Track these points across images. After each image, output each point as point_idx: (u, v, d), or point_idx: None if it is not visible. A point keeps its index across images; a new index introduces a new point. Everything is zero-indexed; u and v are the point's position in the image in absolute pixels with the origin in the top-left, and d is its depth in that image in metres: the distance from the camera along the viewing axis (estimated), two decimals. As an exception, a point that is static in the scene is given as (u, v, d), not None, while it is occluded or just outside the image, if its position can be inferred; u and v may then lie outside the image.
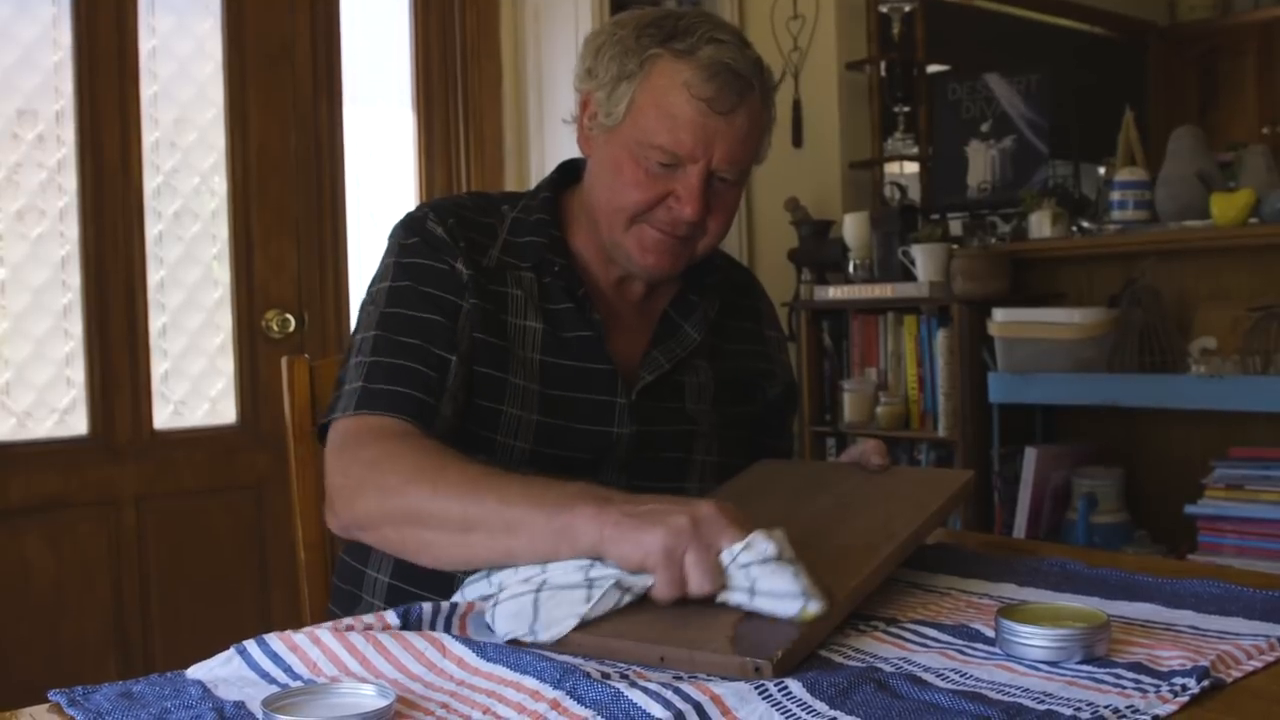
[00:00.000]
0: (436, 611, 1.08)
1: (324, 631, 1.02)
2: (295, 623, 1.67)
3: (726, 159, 1.40)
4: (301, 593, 1.70)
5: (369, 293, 1.47)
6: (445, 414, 1.37)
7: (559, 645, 1.03)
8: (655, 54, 1.39)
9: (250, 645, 1.01)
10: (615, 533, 1.07)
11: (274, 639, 1.02)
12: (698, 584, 1.04)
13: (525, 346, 1.44)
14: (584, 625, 1.04)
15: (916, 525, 1.30)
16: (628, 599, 1.05)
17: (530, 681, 0.93)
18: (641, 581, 1.05)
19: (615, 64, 1.42)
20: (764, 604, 1.02)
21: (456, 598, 1.13)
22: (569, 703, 0.89)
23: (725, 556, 1.04)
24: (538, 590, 1.06)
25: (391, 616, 1.06)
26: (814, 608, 1.01)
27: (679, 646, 0.99)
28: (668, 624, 1.03)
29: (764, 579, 1.03)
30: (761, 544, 1.04)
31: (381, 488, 1.25)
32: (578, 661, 0.97)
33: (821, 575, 1.06)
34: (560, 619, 1.03)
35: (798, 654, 1.00)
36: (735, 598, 1.04)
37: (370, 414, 1.33)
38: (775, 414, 1.69)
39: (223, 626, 3.21)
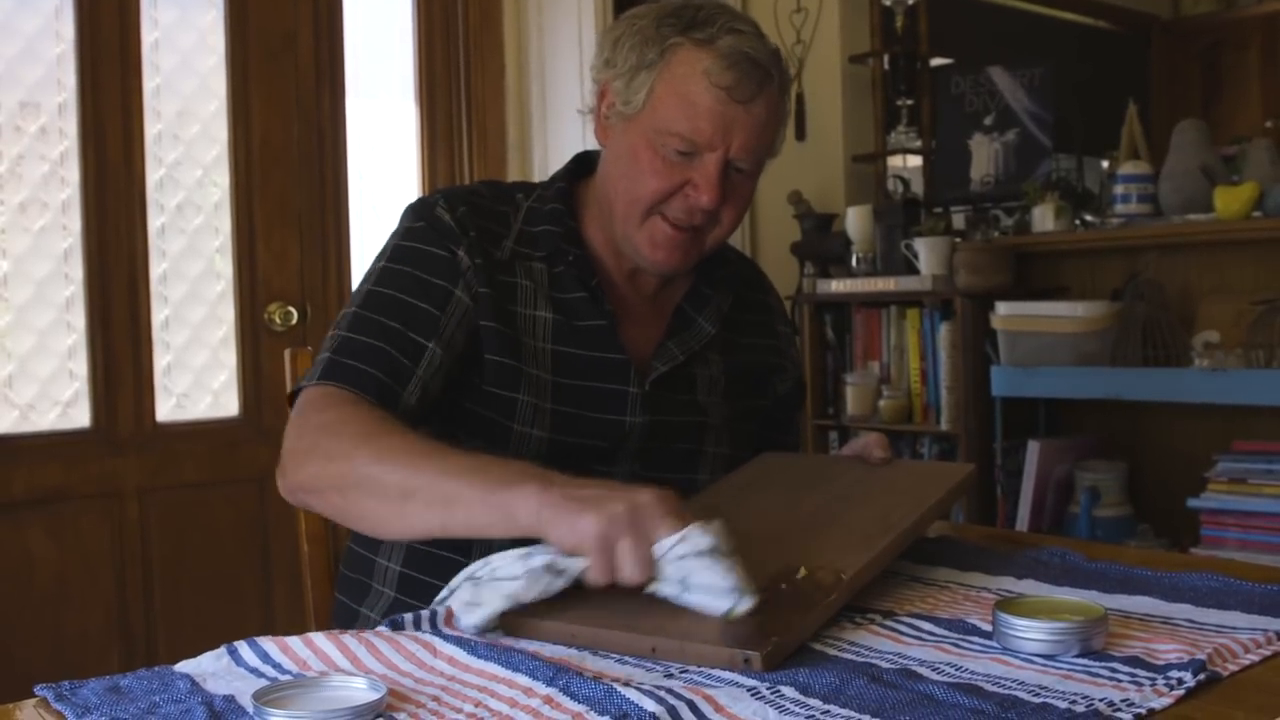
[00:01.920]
0: (418, 621, 1.09)
1: (315, 633, 1.02)
2: (298, 615, 1.67)
3: (744, 148, 1.41)
4: (304, 585, 1.70)
5: (367, 270, 1.48)
6: (410, 402, 1.37)
7: (551, 636, 1.03)
8: (675, 43, 1.40)
9: (241, 645, 1.02)
10: (552, 515, 1.07)
11: (265, 640, 1.02)
12: (629, 573, 1.04)
13: (535, 336, 1.45)
14: (575, 616, 1.04)
15: (915, 518, 1.30)
16: (560, 583, 1.06)
17: (522, 679, 0.93)
18: (575, 565, 1.05)
19: (635, 53, 1.42)
20: (695, 598, 1.02)
21: (435, 605, 1.14)
22: (561, 698, 0.89)
23: (659, 548, 1.03)
24: (478, 582, 1.07)
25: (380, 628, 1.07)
26: (744, 605, 1.00)
27: (670, 637, 0.99)
28: (660, 615, 1.03)
29: (698, 573, 1.01)
30: (697, 537, 1.02)
31: (328, 452, 1.26)
32: (571, 656, 0.97)
33: (808, 599, 1.06)
34: (491, 599, 1.05)
35: (789, 646, 1.00)
36: (666, 589, 1.03)
37: (333, 385, 1.34)
38: (783, 409, 1.69)
39: (225, 619, 3.22)
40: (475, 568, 1.09)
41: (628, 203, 1.45)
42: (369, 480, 1.21)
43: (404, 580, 1.45)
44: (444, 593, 1.13)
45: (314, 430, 1.30)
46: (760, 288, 1.72)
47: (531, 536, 1.09)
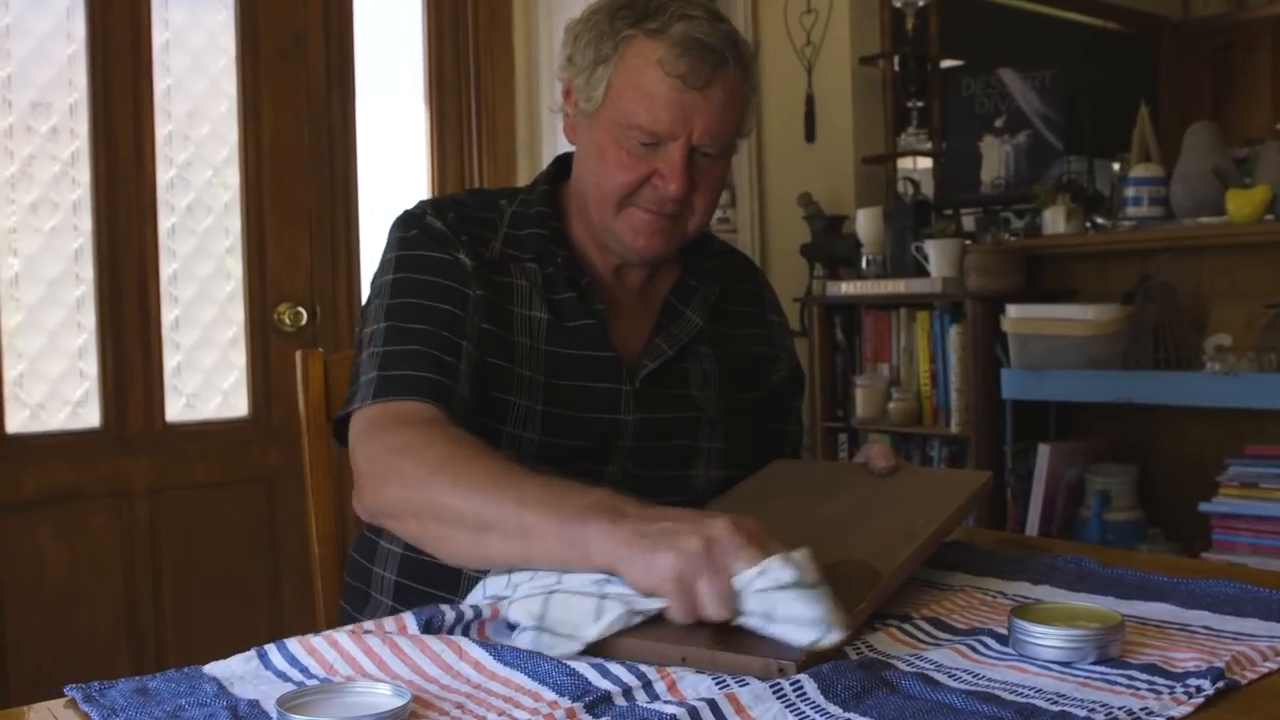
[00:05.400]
0: (459, 618, 1.07)
1: (341, 634, 1.02)
2: (307, 616, 1.68)
3: (706, 133, 1.41)
4: (315, 586, 1.70)
5: (372, 288, 1.48)
6: (464, 397, 1.37)
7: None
8: (628, 35, 1.41)
9: (270, 648, 1.01)
10: (628, 554, 1.04)
11: (293, 643, 1.02)
12: (711, 611, 1.00)
13: (531, 336, 1.45)
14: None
15: (936, 526, 1.29)
16: (638, 620, 1.03)
17: (548, 693, 0.93)
18: (654, 605, 1.02)
19: (591, 49, 1.43)
20: (781, 630, 0.98)
21: (477, 594, 1.13)
22: (585, 715, 0.89)
23: (739, 581, 1.00)
24: (549, 594, 1.05)
25: (411, 622, 1.05)
26: (832, 638, 0.98)
27: (701, 646, 0.99)
28: (689, 624, 1.02)
29: (783, 605, 0.98)
30: (778, 569, 0.99)
31: (405, 477, 1.24)
32: (599, 668, 0.97)
33: (847, 596, 1.04)
34: (566, 636, 1.01)
35: (822, 654, 0.99)
36: (752, 622, 1.00)
37: (389, 400, 1.33)
38: (780, 399, 1.69)
39: (234, 619, 3.23)
40: (548, 580, 1.07)
41: (599, 197, 1.46)
42: (447, 509, 1.20)
43: (399, 589, 1.45)
44: (497, 587, 1.11)
45: (388, 453, 1.28)
46: (751, 279, 1.72)
47: (609, 573, 1.06)
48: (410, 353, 1.37)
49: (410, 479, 1.24)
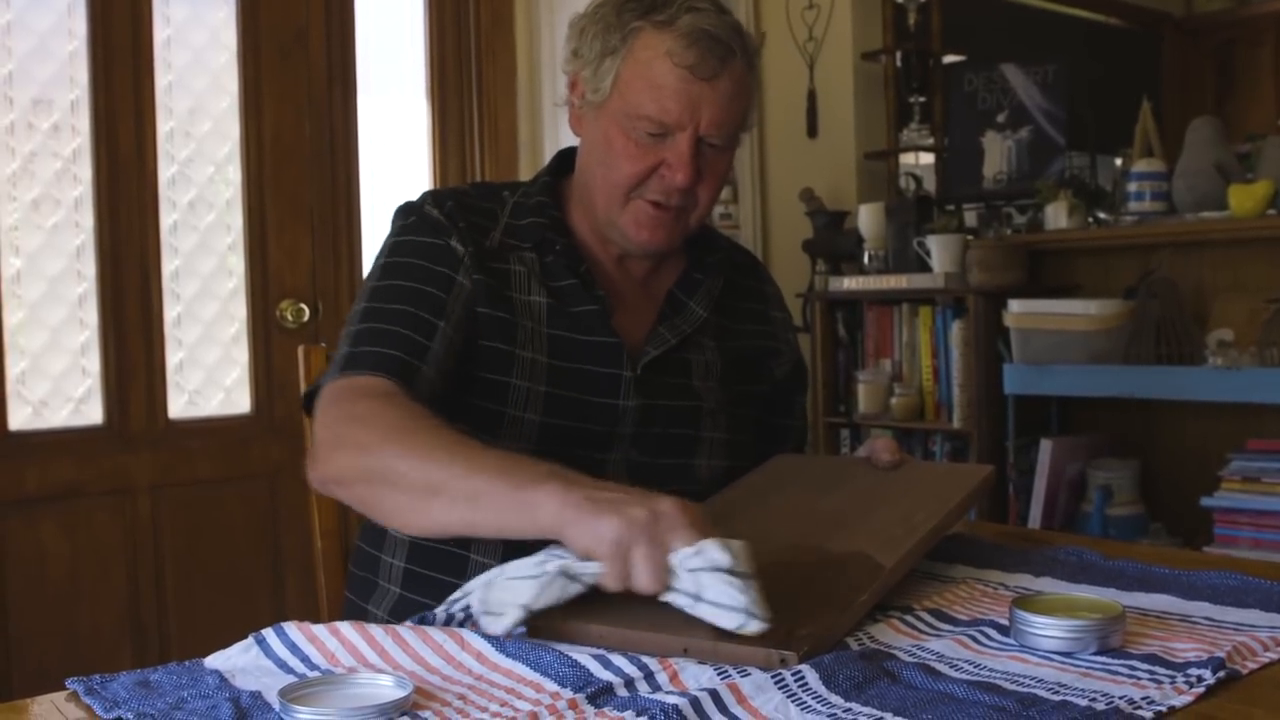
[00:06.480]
0: (450, 621, 1.08)
1: (342, 623, 1.02)
2: (310, 611, 1.68)
3: (713, 124, 1.42)
4: (318, 580, 1.70)
5: (368, 273, 1.50)
6: (431, 377, 1.38)
7: (579, 637, 1.03)
8: (636, 27, 1.42)
9: (269, 634, 1.01)
10: (573, 515, 1.06)
11: (292, 629, 1.02)
12: (642, 581, 1.02)
13: (533, 319, 1.46)
14: (603, 617, 1.03)
15: (938, 520, 1.30)
16: (575, 588, 1.04)
17: (550, 684, 0.93)
18: (590, 569, 1.03)
19: (599, 41, 1.45)
20: (706, 612, 0.99)
21: (440, 610, 1.14)
22: (586, 706, 0.90)
23: (675, 557, 1.01)
24: (489, 582, 1.06)
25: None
26: (753, 627, 0.98)
27: (703, 637, 0.99)
28: (690, 615, 1.03)
29: (712, 588, 0.99)
30: (713, 552, 1.00)
31: (358, 444, 1.25)
32: (600, 659, 0.97)
33: (849, 589, 1.04)
34: (506, 605, 1.03)
35: (822, 647, 1.00)
36: (679, 600, 1.01)
37: (355, 374, 1.35)
38: (783, 393, 1.70)
39: (237, 615, 3.23)
40: (492, 574, 1.07)
41: (607, 189, 1.47)
42: (396, 474, 1.21)
43: (409, 576, 1.46)
44: (457, 594, 1.12)
45: (343, 421, 1.30)
46: (755, 275, 1.73)
47: (552, 538, 1.08)
48: (383, 331, 1.39)
49: (362, 445, 1.25)
